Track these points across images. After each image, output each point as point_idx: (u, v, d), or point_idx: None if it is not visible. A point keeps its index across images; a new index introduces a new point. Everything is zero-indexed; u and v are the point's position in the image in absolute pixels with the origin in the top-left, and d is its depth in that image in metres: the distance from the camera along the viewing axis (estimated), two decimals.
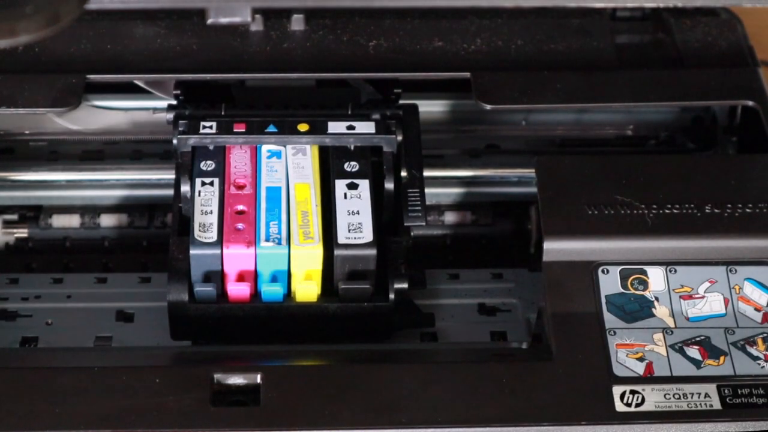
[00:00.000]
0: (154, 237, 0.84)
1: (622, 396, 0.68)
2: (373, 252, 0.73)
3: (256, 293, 0.73)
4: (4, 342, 0.75)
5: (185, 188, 0.75)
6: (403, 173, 0.77)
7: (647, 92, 0.82)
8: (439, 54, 0.85)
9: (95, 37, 0.84)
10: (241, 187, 0.75)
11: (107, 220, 0.84)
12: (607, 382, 0.68)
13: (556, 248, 0.73)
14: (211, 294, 0.72)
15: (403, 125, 0.79)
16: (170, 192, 0.78)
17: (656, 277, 0.73)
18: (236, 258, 0.72)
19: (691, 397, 0.68)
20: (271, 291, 0.73)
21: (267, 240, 0.72)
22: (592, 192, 0.75)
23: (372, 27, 0.87)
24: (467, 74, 0.82)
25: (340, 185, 0.76)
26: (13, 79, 0.80)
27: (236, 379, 0.68)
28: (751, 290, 0.72)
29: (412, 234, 0.77)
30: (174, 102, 0.80)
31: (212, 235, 0.73)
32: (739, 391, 0.68)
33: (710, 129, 0.88)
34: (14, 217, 0.84)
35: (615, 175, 0.76)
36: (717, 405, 0.68)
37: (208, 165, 0.76)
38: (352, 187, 0.76)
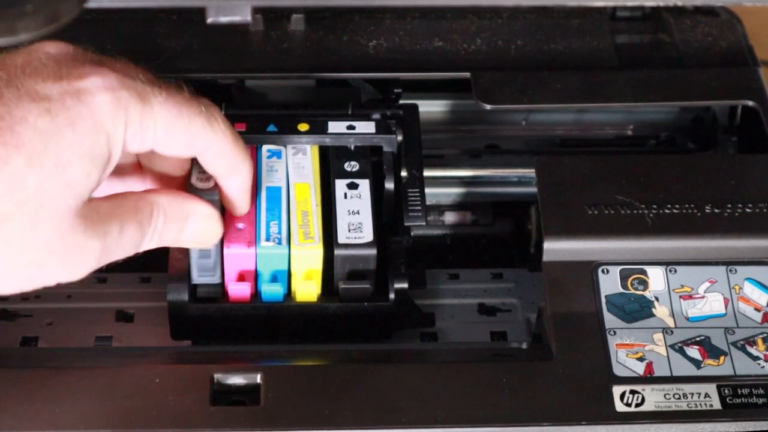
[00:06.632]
0: None
1: (622, 396, 0.68)
2: (373, 252, 0.73)
3: (256, 293, 0.73)
4: (4, 342, 0.75)
5: None
6: (403, 173, 0.77)
7: (647, 92, 0.82)
8: (439, 54, 0.85)
9: (95, 37, 0.84)
10: None
11: None
12: (607, 382, 0.68)
13: (556, 248, 0.73)
14: (213, 280, 0.72)
15: (403, 125, 0.79)
16: None
17: (656, 277, 0.73)
18: (237, 258, 0.72)
19: (691, 397, 0.68)
20: (272, 291, 0.72)
21: (267, 240, 0.72)
22: (592, 192, 0.75)
23: (372, 27, 0.87)
24: (467, 74, 0.82)
25: (340, 185, 0.76)
26: None
27: (236, 379, 0.68)
28: (751, 290, 0.72)
29: (412, 234, 0.77)
30: None
31: None
32: (739, 391, 0.68)
33: (710, 129, 0.88)
34: None
35: (615, 175, 0.76)
36: (717, 405, 0.68)
37: None
38: (352, 186, 0.76)
